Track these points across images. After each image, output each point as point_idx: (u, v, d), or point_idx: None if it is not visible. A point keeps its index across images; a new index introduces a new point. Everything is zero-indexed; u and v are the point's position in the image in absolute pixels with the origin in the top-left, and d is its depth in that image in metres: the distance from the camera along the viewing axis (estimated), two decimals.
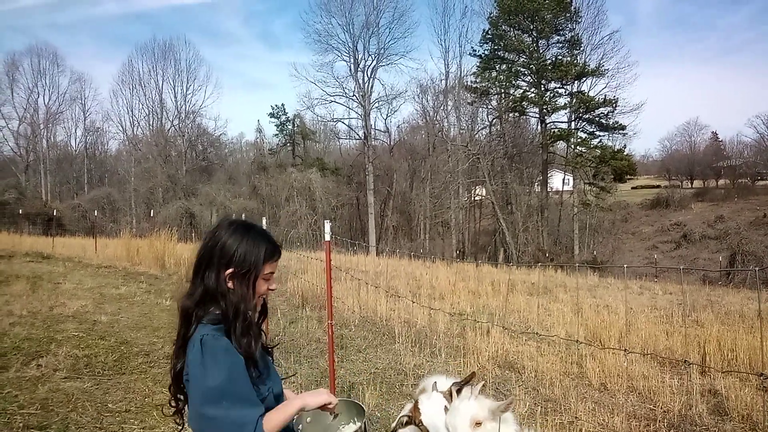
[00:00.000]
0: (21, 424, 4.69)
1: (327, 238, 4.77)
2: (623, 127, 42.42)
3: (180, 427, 2.15)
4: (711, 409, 5.96)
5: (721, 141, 77.01)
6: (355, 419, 2.25)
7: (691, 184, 73.60)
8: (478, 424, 2.30)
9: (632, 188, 68.85)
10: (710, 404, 6.10)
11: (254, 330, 2.05)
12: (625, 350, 4.89)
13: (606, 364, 7.43)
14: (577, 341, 6.74)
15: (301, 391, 2.29)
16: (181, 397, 2.03)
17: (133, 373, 6.45)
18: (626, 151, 47.70)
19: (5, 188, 44.86)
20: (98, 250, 19.12)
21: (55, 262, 15.78)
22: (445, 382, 2.69)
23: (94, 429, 4.79)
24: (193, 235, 23.21)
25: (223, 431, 1.79)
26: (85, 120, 59.48)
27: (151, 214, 37.42)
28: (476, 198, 47.79)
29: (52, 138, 58.08)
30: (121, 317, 9.22)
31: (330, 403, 2.10)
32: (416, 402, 2.53)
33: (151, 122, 54.26)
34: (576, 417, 5.43)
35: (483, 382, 2.57)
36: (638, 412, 5.89)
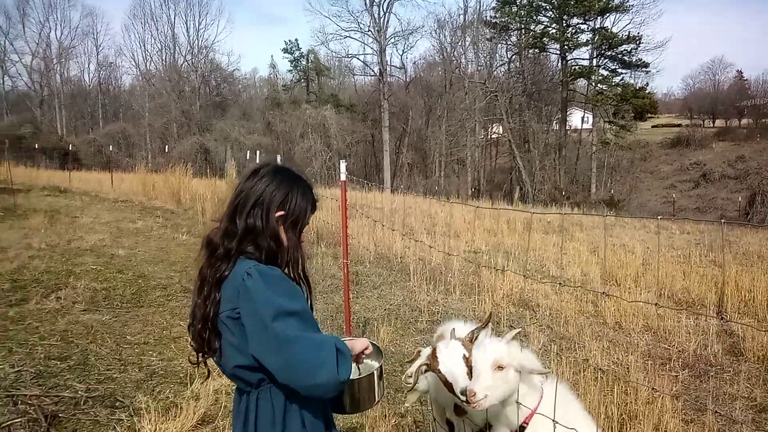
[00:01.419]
0: (42, 355, 4.78)
1: (342, 177, 4.66)
2: (646, 65, 41.29)
3: (206, 373, 2.11)
4: (726, 350, 5.95)
5: (746, 80, 74.53)
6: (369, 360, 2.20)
7: (713, 123, 71.89)
8: (500, 367, 2.23)
9: (652, 127, 67.29)
10: (726, 345, 6.08)
11: (307, 280, 2.02)
12: (656, 304, 4.82)
13: (621, 303, 7.41)
14: (603, 293, 6.69)
15: None
16: (218, 344, 1.86)
17: (150, 306, 6.54)
18: (648, 89, 46.47)
19: (21, 123, 44.94)
20: (114, 185, 19.22)
21: (72, 196, 15.90)
22: (463, 329, 2.63)
23: (113, 360, 4.87)
24: (207, 170, 23.16)
25: (300, 350, 1.69)
26: (97, 55, 58.98)
27: (166, 150, 37.41)
28: (493, 136, 47.11)
29: (65, 73, 57.75)
30: (138, 251, 9.30)
31: (367, 348, 2.07)
32: (434, 350, 2.48)
33: (163, 57, 53.69)
34: (591, 355, 5.43)
35: (519, 329, 2.51)
36: (653, 352, 5.89)
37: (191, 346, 1.94)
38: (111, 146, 34.49)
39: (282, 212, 1.92)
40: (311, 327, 1.78)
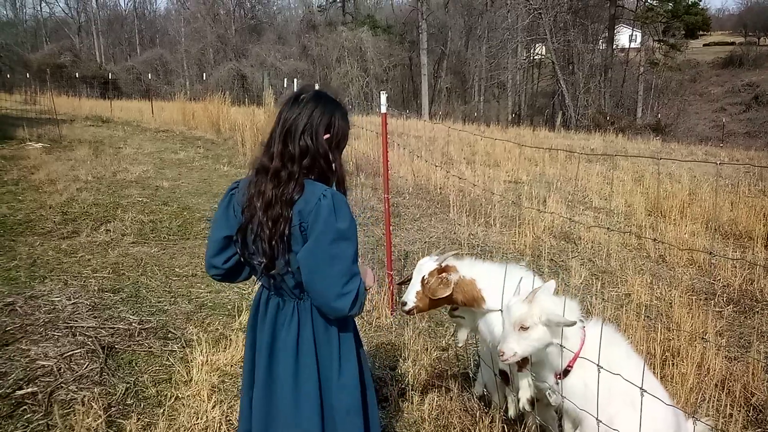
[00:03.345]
0: (96, 288, 4.98)
1: (383, 110, 4.55)
2: None
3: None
4: None
5: None
6: None
7: None
8: (524, 328, 2.31)
9: (704, 45, 63.83)
10: None
11: (345, 194, 2.14)
12: (710, 253, 4.68)
13: (666, 236, 7.29)
14: (656, 240, 6.54)
15: None
16: (287, 257, 1.96)
17: (196, 238, 6.70)
18: (701, 4, 43.75)
19: (61, 50, 45.22)
20: (155, 114, 19.40)
21: (114, 126, 16.15)
22: (465, 263, 2.89)
23: (164, 293, 5.05)
24: (245, 98, 23.12)
25: (335, 273, 1.89)
26: None
27: (204, 77, 37.32)
28: (535, 57, 45.43)
29: None
30: (181, 183, 9.47)
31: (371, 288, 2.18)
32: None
33: None
34: (633, 290, 5.39)
35: (541, 286, 2.47)
36: (697, 286, 5.81)
37: (255, 262, 2.03)
38: (150, 74, 34.60)
39: (328, 135, 2.04)
40: (355, 252, 1.96)
